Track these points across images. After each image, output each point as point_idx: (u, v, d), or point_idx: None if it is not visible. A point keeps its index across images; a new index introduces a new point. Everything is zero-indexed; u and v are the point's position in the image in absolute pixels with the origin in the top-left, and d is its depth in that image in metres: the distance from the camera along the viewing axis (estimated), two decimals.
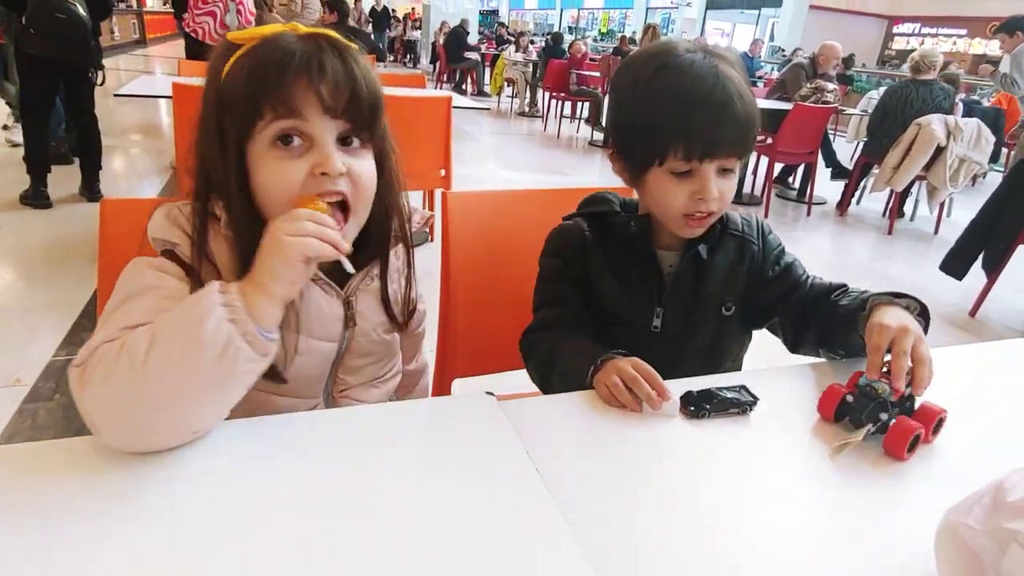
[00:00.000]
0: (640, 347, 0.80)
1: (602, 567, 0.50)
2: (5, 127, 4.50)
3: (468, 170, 4.82)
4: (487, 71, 10.57)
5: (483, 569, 0.50)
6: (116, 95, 2.81)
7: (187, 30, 4.25)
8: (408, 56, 15.29)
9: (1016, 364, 0.97)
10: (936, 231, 4.59)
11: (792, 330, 0.93)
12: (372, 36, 12.40)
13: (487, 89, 10.30)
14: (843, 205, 4.98)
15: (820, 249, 4.16)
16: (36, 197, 3.31)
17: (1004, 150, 6.24)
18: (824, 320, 0.88)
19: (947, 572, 0.48)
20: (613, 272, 0.94)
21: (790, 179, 5.47)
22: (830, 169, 5.39)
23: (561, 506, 0.56)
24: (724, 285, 0.94)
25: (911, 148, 4.12)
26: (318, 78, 0.66)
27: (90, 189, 3.50)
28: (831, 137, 5.46)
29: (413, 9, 18.18)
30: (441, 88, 9.88)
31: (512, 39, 10.48)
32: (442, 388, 1.16)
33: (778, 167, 5.01)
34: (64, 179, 3.57)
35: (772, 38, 17.14)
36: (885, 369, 0.71)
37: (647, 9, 22.02)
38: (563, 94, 7.71)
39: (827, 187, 5.26)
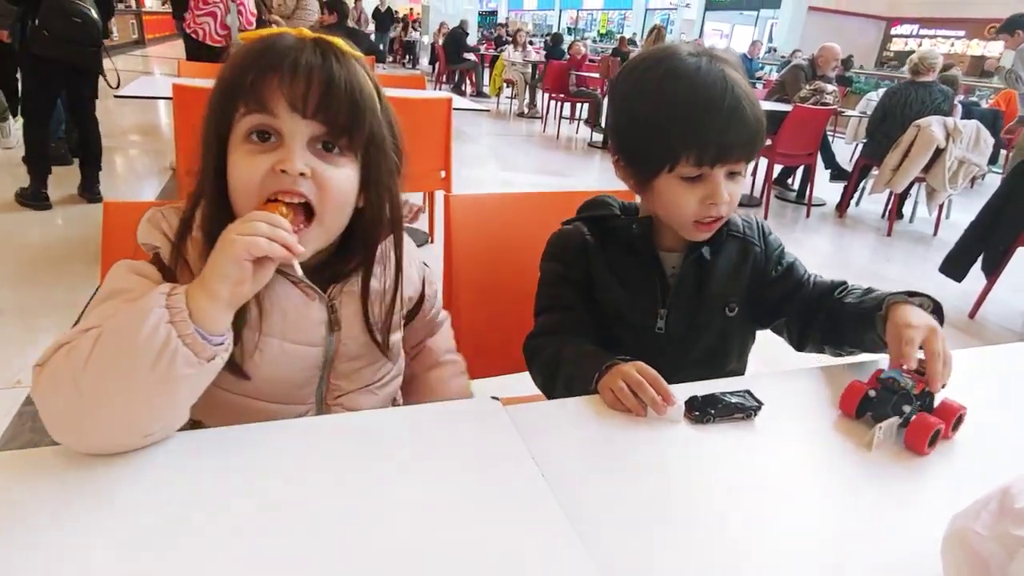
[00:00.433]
0: (644, 349, 0.80)
1: (608, 572, 0.50)
2: None
3: (467, 171, 4.82)
4: (486, 72, 10.57)
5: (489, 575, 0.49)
6: (116, 96, 2.81)
7: (188, 31, 4.24)
8: (407, 57, 15.29)
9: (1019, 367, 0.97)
10: (935, 233, 4.59)
11: (797, 329, 0.94)
12: (374, 37, 12.39)
13: (486, 90, 10.31)
14: (842, 207, 4.99)
15: (819, 250, 4.16)
16: (35, 198, 3.30)
17: (1003, 152, 6.25)
18: (830, 318, 0.89)
19: None
20: (615, 275, 0.94)
21: (789, 180, 5.47)
22: (829, 171, 5.40)
23: (567, 512, 0.56)
24: (727, 286, 0.94)
25: (910, 150, 4.13)
26: (289, 75, 0.65)
27: (89, 190, 3.50)
28: (830, 139, 5.46)
29: (412, 10, 18.17)
30: (440, 89, 9.87)
31: (509, 38, 10.49)
32: None
33: (777, 168, 5.01)
34: (63, 180, 3.56)
35: (771, 39, 17.16)
36: (907, 367, 0.72)
37: (646, 10, 22.04)
38: (562, 95, 7.71)
39: (826, 189, 5.27)
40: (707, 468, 0.65)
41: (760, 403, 0.73)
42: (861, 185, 5.01)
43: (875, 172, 4.53)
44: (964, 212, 4.59)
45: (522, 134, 7.74)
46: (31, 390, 0.58)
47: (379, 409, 0.87)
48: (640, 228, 0.93)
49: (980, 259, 3.07)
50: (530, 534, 0.54)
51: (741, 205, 4.88)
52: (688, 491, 0.62)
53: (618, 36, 11.60)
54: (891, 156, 4.23)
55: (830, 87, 4.85)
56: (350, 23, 6.38)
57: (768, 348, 1.05)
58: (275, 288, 0.70)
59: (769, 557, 0.54)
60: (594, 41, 19.09)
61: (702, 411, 0.71)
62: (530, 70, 9.03)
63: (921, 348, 0.73)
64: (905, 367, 0.72)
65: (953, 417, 0.71)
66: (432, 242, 3.34)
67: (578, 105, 8.19)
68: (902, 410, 0.70)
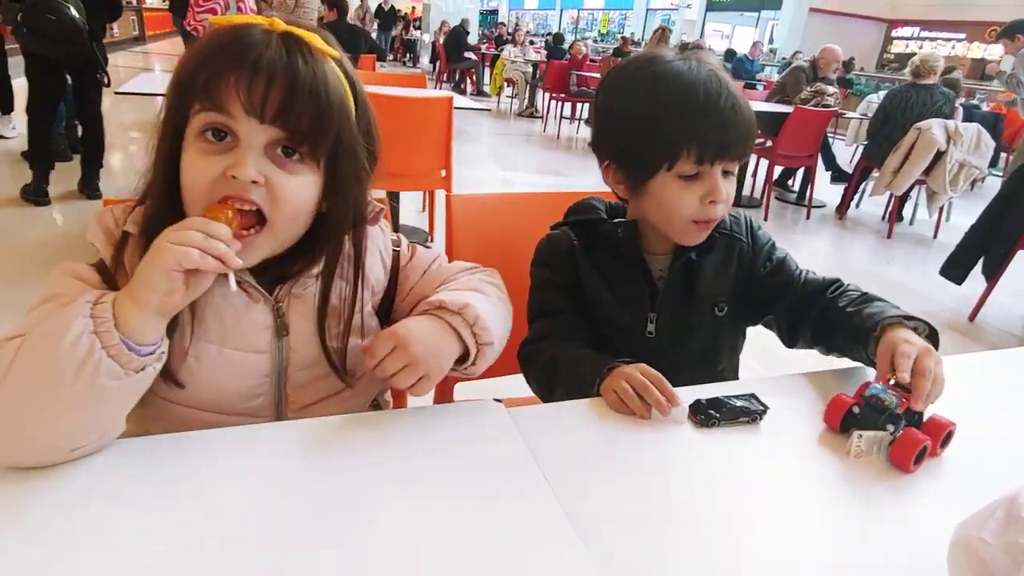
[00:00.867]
0: (635, 353, 0.79)
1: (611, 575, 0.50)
2: None
3: (467, 171, 4.81)
4: (487, 71, 10.56)
5: None
6: (117, 92, 2.80)
7: (188, 28, 4.23)
8: (408, 55, 15.27)
9: (1019, 373, 0.97)
10: (935, 235, 4.59)
11: (788, 325, 0.93)
12: (377, 35, 12.35)
13: (486, 89, 10.30)
14: (842, 208, 4.99)
15: (819, 252, 4.17)
16: (36, 193, 3.32)
17: (1003, 155, 6.25)
18: (822, 318, 0.88)
19: None
20: (604, 279, 0.94)
21: (790, 182, 5.47)
22: (830, 172, 5.40)
23: (570, 515, 0.56)
24: (715, 286, 0.93)
25: (911, 152, 4.13)
26: (248, 75, 0.59)
27: (89, 186, 3.49)
28: (831, 140, 5.46)
29: (414, 8, 18.16)
30: (440, 88, 9.86)
31: (509, 36, 10.48)
32: (445, 393, 1.15)
33: (778, 170, 5.01)
34: (63, 176, 3.55)
35: (771, 40, 17.16)
36: (892, 381, 0.70)
37: (647, 10, 22.02)
38: (563, 95, 7.71)
39: (827, 190, 5.27)
40: (711, 472, 0.65)
41: (765, 407, 0.73)
42: (861, 187, 5.02)
43: (875, 174, 4.53)
44: (964, 215, 4.59)
45: (522, 134, 7.73)
46: None
47: (380, 411, 0.87)
48: (625, 232, 0.93)
49: (980, 262, 3.07)
50: (533, 538, 0.54)
51: (742, 206, 4.86)
52: (692, 495, 0.61)
53: (619, 36, 11.60)
54: (892, 158, 4.23)
55: (831, 89, 4.86)
56: (355, 21, 6.35)
57: (769, 349, 1.05)
58: (211, 288, 0.63)
59: (771, 561, 0.54)
60: (595, 41, 19.09)
61: (707, 415, 0.71)
62: (530, 69, 9.02)
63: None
64: (892, 382, 0.70)
65: (942, 434, 0.69)
66: (432, 241, 3.33)
67: (579, 105, 8.19)
68: (886, 428, 0.68)
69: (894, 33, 18.07)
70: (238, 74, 0.59)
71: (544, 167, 5.93)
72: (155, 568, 0.47)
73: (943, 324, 3.04)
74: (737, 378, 1.01)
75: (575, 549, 0.52)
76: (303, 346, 0.72)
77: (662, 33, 6.11)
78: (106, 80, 3.34)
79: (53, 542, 0.48)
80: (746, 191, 5.21)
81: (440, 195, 3.28)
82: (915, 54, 4.53)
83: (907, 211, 4.91)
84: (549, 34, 12.02)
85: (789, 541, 0.57)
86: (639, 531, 0.55)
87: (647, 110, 0.85)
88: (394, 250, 0.83)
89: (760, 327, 0.99)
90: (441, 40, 11.00)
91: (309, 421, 0.66)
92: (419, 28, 15.69)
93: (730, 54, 10.92)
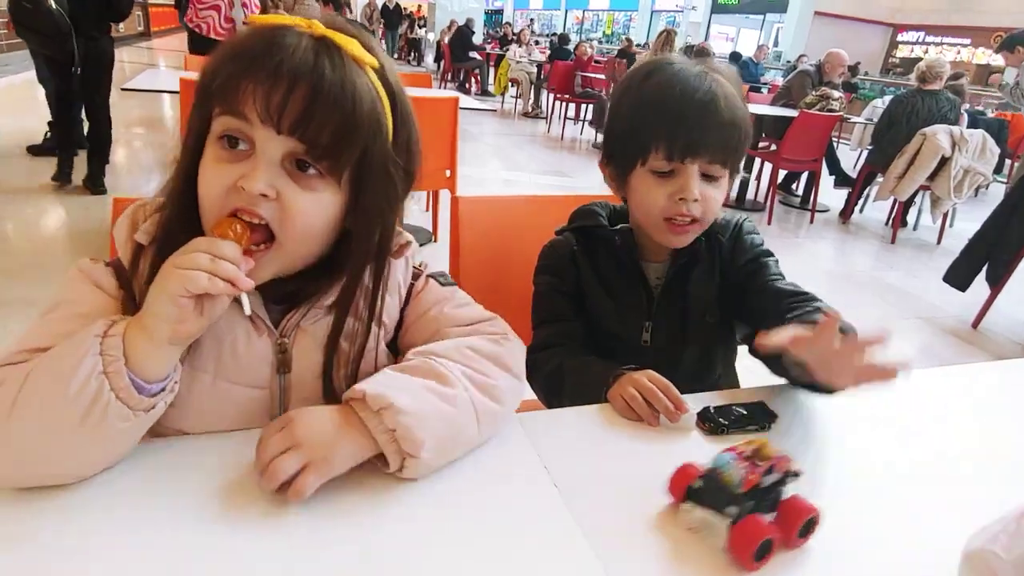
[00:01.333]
0: (631, 362, 0.78)
1: None
2: None
3: (470, 170, 4.81)
4: (491, 71, 10.56)
5: None
6: (123, 89, 2.80)
7: (190, 25, 4.23)
8: (412, 54, 15.27)
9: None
10: (939, 241, 4.59)
11: (743, 332, 0.93)
12: (383, 34, 12.32)
13: (491, 89, 10.30)
14: (846, 213, 4.98)
15: (822, 257, 4.16)
16: (60, 177, 3.49)
17: (1008, 161, 6.24)
18: (761, 311, 0.83)
19: None
20: (603, 286, 0.94)
21: (794, 186, 5.47)
22: (834, 177, 5.40)
23: (579, 521, 0.56)
24: (704, 293, 0.92)
25: (916, 158, 4.12)
26: (268, 79, 0.55)
27: (93, 182, 3.50)
28: (835, 145, 5.45)
29: (419, 7, 18.17)
30: (445, 87, 9.87)
31: (514, 36, 10.48)
32: None
33: (782, 174, 5.01)
34: None
35: (776, 43, 17.15)
36: (747, 453, 0.55)
37: (652, 12, 22.03)
38: (567, 96, 7.71)
39: (830, 195, 5.26)
40: None
41: (774, 415, 0.73)
42: (865, 192, 5.01)
43: (880, 179, 4.53)
44: (968, 221, 4.58)
45: (526, 134, 7.73)
46: None
47: None
48: (622, 238, 0.92)
49: (985, 269, 3.07)
50: (541, 543, 0.54)
51: (745, 209, 4.85)
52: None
53: (623, 37, 11.58)
54: (896, 164, 4.22)
55: (836, 93, 4.85)
56: (363, 19, 6.33)
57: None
58: None
59: (775, 566, 0.54)
60: (599, 42, 19.09)
61: (715, 422, 0.70)
62: (535, 70, 9.01)
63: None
64: (747, 453, 0.55)
65: (800, 521, 0.54)
66: (436, 241, 3.33)
67: (583, 106, 8.19)
68: (724, 512, 0.53)
69: (899, 37, 18.07)
70: (257, 78, 0.55)
71: (547, 167, 5.93)
72: (155, 568, 0.47)
73: (946, 331, 3.04)
74: (737, 385, 1.00)
75: (584, 556, 0.52)
76: (305, 386, 0.66)
77: (667, 36, 6.09)
78: (77, 72, 3.32)
79: (50, 544, 0.48)
80: (750, 195, 5.21)
81: (445, 195, 3.28)
82: (920, 59, 4.52)
83: (911, 217, 4.91)
84: (554, 34, 12.00)
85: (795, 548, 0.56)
86: (647, 538, 0.55)
87: (630, 108, 0.87)
88: (411, 282, 0.74)
89: None
90: (446, 40, 11.00)
91: None
92: (424, 27, 15.68)
93: (735, 57, 10.92)
